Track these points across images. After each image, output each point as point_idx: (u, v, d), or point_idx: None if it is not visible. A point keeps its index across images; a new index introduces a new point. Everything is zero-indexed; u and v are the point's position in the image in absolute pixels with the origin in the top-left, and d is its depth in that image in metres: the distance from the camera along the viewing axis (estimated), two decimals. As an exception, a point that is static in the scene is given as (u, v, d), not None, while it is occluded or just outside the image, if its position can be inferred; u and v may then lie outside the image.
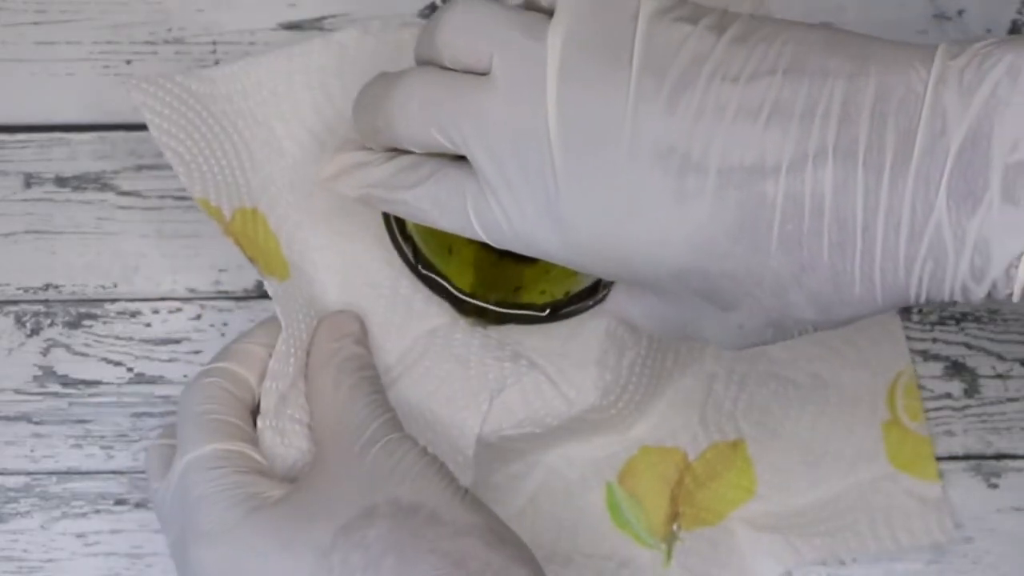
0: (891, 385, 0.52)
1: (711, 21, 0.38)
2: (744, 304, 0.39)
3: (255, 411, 0.45)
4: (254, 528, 0.41)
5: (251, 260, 0.46)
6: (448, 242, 0.48)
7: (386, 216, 0.47)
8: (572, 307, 0.47)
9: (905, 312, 0.53)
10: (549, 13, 0.39)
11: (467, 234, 0.41)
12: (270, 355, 0.46)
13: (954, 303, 0.52)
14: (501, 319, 0.48)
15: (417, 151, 0.41)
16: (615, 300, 0.44)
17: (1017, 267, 0.35)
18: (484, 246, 0.41)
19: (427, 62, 0.41)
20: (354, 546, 0.40)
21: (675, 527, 0.50)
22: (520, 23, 0.39)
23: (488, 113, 0.39)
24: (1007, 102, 0.34)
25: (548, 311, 0.47)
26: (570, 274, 0.46)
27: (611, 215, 0.38)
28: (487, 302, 0.47)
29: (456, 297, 0.47)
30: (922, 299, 0.37)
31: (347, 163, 0.43)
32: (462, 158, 0.40)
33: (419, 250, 0.47)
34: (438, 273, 0.47)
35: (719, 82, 0.37)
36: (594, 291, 0.47)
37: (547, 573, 0.42)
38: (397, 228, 0.47)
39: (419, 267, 0.47)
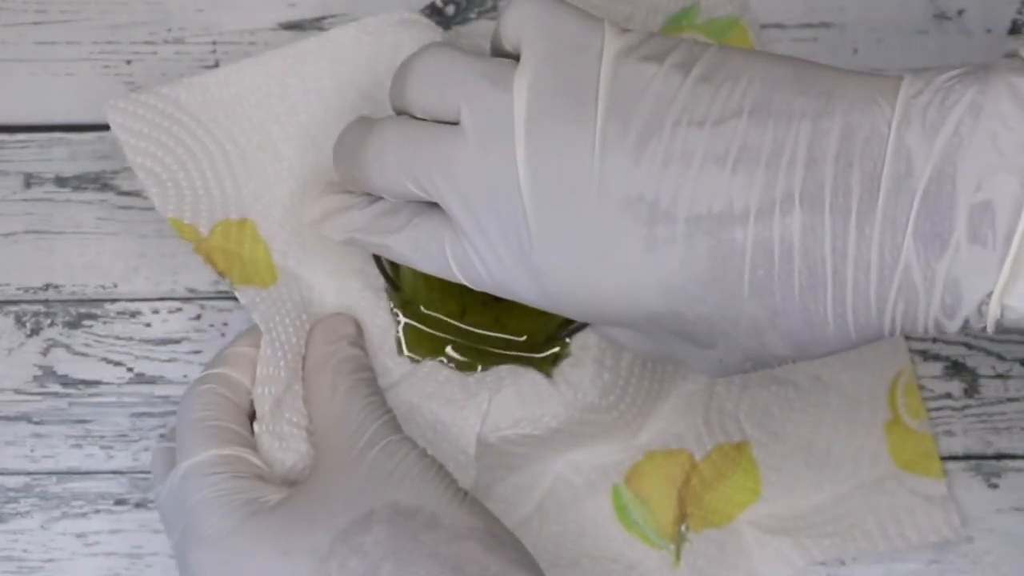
0: (891, 385, 0.52)
1: (678, 58, 0.38)
2: (721, 343, 0.39)
3: (252, 415, 0.45)
4: (252, 533, 0.41)
5: (222, 274, 0.46)
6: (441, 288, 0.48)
7: (375, 257, 0.48)
8: (558, 337, 0.48)
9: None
10: (516, 58, 0.40)
11: (449, 277, 0.41)
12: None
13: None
14: (495, 359, 0.49)
15: (395, 201, 0.42)
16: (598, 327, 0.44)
17: (988, 304, 0.35)
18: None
19: (400, 111, 0.42)
20: (352, 551, 0.40)
21: (683, 528, 0.50)
22: (486, 72, 0.39)
23: (458, 164, 0.39)
24: (969, 141, 0.35)
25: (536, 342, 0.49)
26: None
27: (583, 264, 0.38)
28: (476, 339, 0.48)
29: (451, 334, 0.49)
30: (896, 333, 0.37)
31: (331, 207, 0.45)
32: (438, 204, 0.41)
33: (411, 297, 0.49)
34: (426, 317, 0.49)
35: (685, 127, 0.37)
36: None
37: None
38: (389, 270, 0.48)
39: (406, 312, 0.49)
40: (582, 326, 0.48)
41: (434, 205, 0.41)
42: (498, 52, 0.41)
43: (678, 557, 0.50)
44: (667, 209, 0.37)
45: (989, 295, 0.35)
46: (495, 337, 0.48)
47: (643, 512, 0.50)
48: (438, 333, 0.49)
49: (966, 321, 0.36)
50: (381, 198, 0.43)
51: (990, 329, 0.36)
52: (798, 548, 0.50)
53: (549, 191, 0.38)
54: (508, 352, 0.49)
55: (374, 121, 0.42)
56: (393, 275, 0.48)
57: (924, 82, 0.36)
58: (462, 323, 0.48)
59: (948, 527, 0.51)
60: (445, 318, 0.48)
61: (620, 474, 0.51)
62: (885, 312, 0.36)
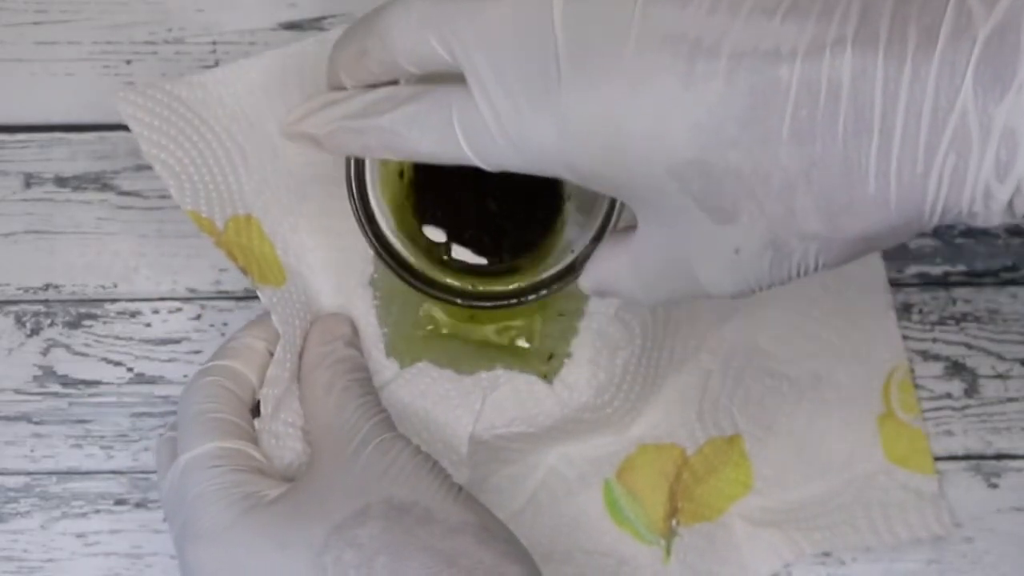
0: (886, 379, 0.52)
1: None
2: (745, 211, 0.36)
3: (254, 409, 0.46)
4: (250, 527, 0.41)
5: (244, 271, 0.46)
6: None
7: (358, 216, 0.45)
8: (548, 288, 0.45)
9: (905, 312, 0.53)
10: None
11: (449, 154, 0.38)
12: (268, 351, 0.46)
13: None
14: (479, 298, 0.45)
15: (410, 67, 0.39)
16: (597, 266, 0.42)
17: None
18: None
19: None
20: (347, 544, 0.40)
21: (674, 523, 0.50)
22: None
23: (491, 16, 0.37)
24: None
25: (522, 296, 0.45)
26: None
27: (613, 98, 0.36)
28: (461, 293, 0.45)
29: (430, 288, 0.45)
30: (939, 207, 0.35)
31: (316, 104, 0.42)
32: (448, 80, 0.38)
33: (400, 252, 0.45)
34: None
35: None
36: (572, 268, 0.44)
37: (546, 571, 0.42)
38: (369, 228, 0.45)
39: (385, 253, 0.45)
40: (570, 276, 0.44)
41: (438, 83, 0.39)
42: None
43: (669, 552, 0.50)
44: (710, 46, 0.35)
45: None
46: (466, 291, 0.45)
47: (634, 507, 0.50)
48: (417, 283, 0.45)
49: (1017, 189, 0.34)
50: (375, 88, 0.41)
51: None
52: (787, 541, 0.50)
53: (585, 33, 0.36)
54: (478, 303, 0.45)
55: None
56: (364, 210, 0.44)
57: None
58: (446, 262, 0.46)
59: (938, 523, 0.51)
60: (428, 259, 0.45)
61: (612, 468, 0.51)
62: (933, 167, 0.34)
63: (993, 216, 0.35)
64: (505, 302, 0.44)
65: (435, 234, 0.46)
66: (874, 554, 0.51)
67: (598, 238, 0.43)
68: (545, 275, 0.44)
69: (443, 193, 0.46)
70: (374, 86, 0.41)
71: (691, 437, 0.51)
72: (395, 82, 0.41)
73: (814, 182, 0.35)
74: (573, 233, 0.45)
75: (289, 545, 0.41)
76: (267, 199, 0.48)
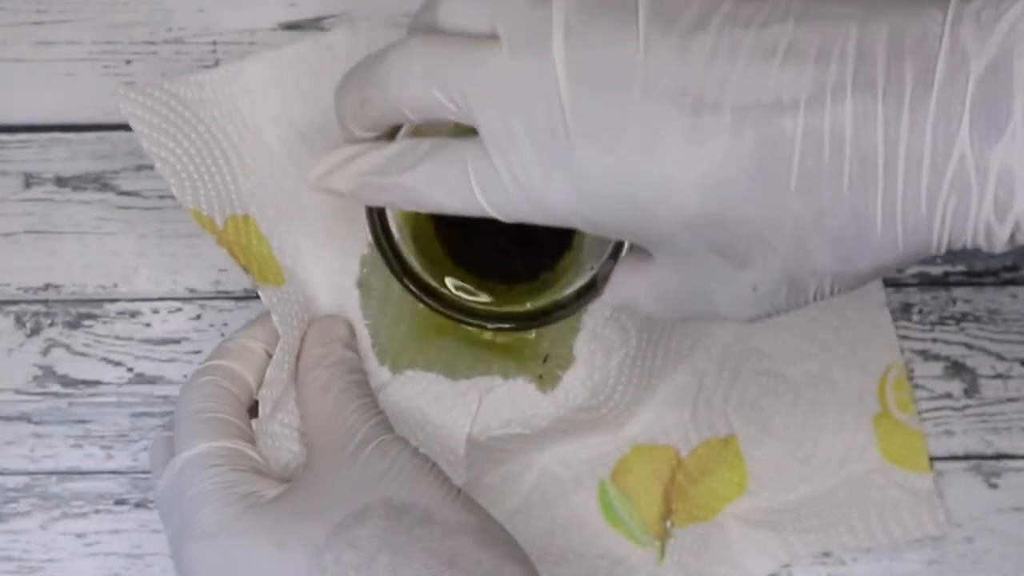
0: (881, 378, 0.52)
1: None
2: (759, 256, 0.37)
3: (252, 409, 0.46)
4: (248, 527, 0.41)
5: (245, 269, 0.46)
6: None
7: (376, 237, 0.45)
8: (569, 308, 0.46)
9: (904, 312, 0.53)
10: None
11: (470, 209, 0.39)
12: (266, 351, 0.46)
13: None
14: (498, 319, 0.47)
15: (413, 117, 0.40)
16: (618, 286, 0.43)
17: None
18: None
19: (429, 29, 0.40)
20: (347, 545, 0.40)
21: (668, 524, 0.50)
22: None
23: (493, 70, 0.37)
24: None
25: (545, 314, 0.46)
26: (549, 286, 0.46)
27: (624, 158, 0.36)
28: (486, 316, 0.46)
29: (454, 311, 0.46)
30: (944, 242, 0.36)
31: (337, 159, 0.42)
32: (462, 133, 0.39)
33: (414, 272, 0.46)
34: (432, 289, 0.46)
35: (730, 28, 0.36)
36: (592, 286, 0.45)
37: (540, 572, 0.42)
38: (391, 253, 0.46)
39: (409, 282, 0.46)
40: (591, 294, 0.45)
41: (456, 135, 0.40)
42: None
43: (663, 553, 0.50)
44: (713, 101, 0.36)
45: None
46: (492, 312, 0.46)
47: (628, 509, 0.50)
48: (433, 303, 0.46)
49: (1017, 226, 0.35)
50: (389, 141, 0.41)
51: None
52: (781, 542, 0.50)
53: (590, 89, 0.37)
54: (504, 325, 0.46)
55: (392, 43, 0.40)
56: (388, 245, 0.45)
57: None
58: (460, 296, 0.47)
59: (934, 524, 0.51)
60: (440, 287, 0.46)
61: (606, 469, 0.51)
62: (936, 209, 0.35)
63: (996, 247, 0.36)
64: (531, 322, 0.46)
65: (455, 258, 0.47)
66: (874, 554, 0.51)
67: (615, 255, 0.43)
68: (567, 292, 0.45)
69: (459, 221, 0.45)
70: (392, 132, 0.42)
71: (685, 438, 0.51)
72: (399, 127, 0.42)
73: (824, 228, 0.36)
74: (589, 248, 0.46)
75: (288, 544, 0.41)
76: (263, 199, 0.48)
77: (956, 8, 0.35)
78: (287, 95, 0.49)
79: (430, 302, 0.45)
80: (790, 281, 0.38)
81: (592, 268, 0.44)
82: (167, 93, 0.47)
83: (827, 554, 0.51)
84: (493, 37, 0.38)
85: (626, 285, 0.42)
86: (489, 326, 0.45)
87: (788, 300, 0.39)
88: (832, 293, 0.38)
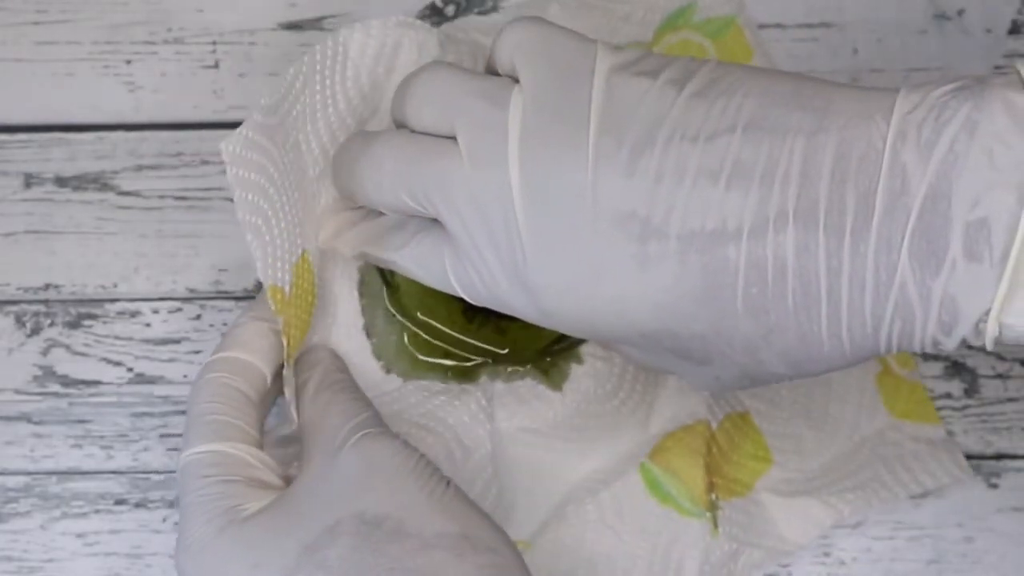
0: None
1: (673, 74, 0.38)
2: (716, 359, 0.39)
3: (266, 393, 0.45)
4: (225, 545, 0.41)
5: (288, 357, 0.44)
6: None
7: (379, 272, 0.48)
8: (553, 351, 0.49)
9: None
10: (512, 78, 0.40)
11: (452, 293, 0.42)
12: (273, 330, 0.44)
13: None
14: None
15: (392, 214, 0.43)
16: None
17: (986, 322, 0.35)
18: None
19: (400, 124, 0.42)
20: (317, 567, 0.39)
21: (713, 496, 0.50)
22: (482, 91, 0.40)
23: (454, 182, 0.39)
24: (965, 158, 0.34)
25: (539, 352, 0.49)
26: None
27: (577, 281, 0.38)
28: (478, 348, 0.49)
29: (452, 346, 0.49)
30: (893, 351, 0.37)
31: (341, 224, 0.46)
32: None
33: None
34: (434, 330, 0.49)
35: (678, 142, 0.37)
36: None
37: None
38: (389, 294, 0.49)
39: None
40: (580, 341, 0.48)
41: (436, 221, 0.41)
42: (492, 71, 0.41)
43: (716, 525, 0.50)
44: (659, 226, 0.37)
45: (987, 313, 0.35)
46: (490, 349, 0.49)
47: (676, 483, 0.50)
48: (435, 341, 0.49)
49: (963, 339, 0.36)
50: (386, 216, 0.44)
51: (989, 346, 0.36)
52: (824, 506, 0.50)
53: (543, 209, 0.38)
54: (502, 360, 0.49)
55: (371, 136, 0.42)
56: (391, 280, 0.48)
57: (920, 97, 0.36)
58: (460, 333, 0.49)
59: (957, 467, 0.51)
60: (442, 327, 0.48)
61: (644, 454, 0.51)
62: (881, 331, 0.36)
63: (948, 351, 0.37)
64: (549, 349, 0.49)
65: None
66: (874, 554, 0.51)
67: None
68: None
69: None
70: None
71: (711, 412, 0.51)
72: None
73: (773, 343, 0.38)
74: None
75: (261, 566, 0.40)
76: (307, 229, 0.46)
77: (899, 122, 0.36)
78: (315, 107, 0.46)
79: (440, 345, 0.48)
80: (751, 377, 0.40)
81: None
82: (256, 127, 0.42)
83: (827, 553, 0.51)
84: (455, 140, 0.40)
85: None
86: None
87: (752, 384, 0.40)
88: (791, 381, 0.41)
